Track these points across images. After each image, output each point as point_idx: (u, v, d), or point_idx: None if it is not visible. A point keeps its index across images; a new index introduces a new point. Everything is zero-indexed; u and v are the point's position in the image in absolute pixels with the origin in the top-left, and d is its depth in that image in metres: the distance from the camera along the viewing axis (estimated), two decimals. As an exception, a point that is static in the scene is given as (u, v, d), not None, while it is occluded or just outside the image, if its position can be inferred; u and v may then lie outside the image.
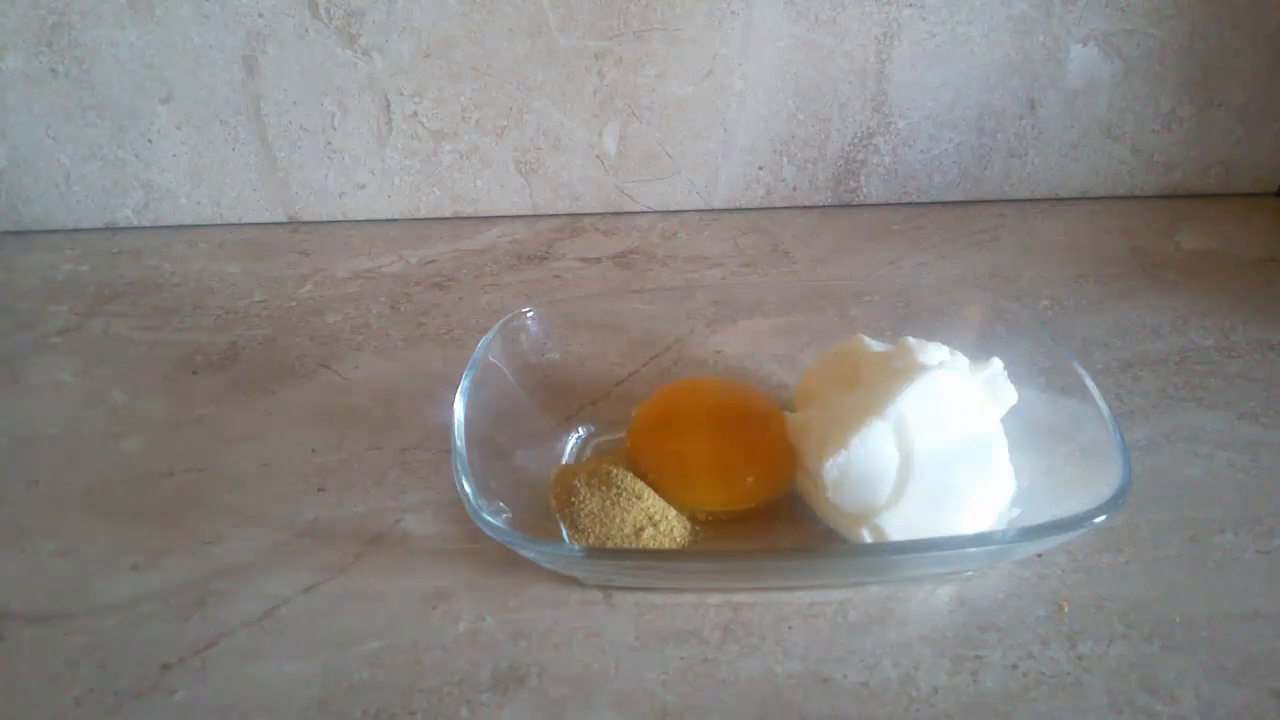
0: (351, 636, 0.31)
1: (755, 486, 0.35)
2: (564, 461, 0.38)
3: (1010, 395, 0.34)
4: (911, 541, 0.31)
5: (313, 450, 0.40)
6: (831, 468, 0.32)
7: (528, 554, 0.30)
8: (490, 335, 0.37)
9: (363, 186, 0.59)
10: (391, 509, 0.36)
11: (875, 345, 0.36)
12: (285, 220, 0.60)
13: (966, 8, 0.54)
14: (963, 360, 0.35)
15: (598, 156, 0.58)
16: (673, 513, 0.33)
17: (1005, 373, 0.34)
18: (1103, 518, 0.28)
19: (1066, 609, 0.31)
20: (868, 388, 0.34)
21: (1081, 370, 0.34)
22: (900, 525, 0.31)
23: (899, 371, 0.33)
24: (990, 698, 0.28)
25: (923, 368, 0.33)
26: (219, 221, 0.60)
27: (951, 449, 0.32)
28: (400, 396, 0.44)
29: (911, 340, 0.35)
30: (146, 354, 0.48)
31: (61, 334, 0.50)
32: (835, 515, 0.33)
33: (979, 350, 0.37)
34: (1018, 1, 0.54)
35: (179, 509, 0.37)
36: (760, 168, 0.59)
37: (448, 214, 0.60)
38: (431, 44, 0.54)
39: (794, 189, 0.60)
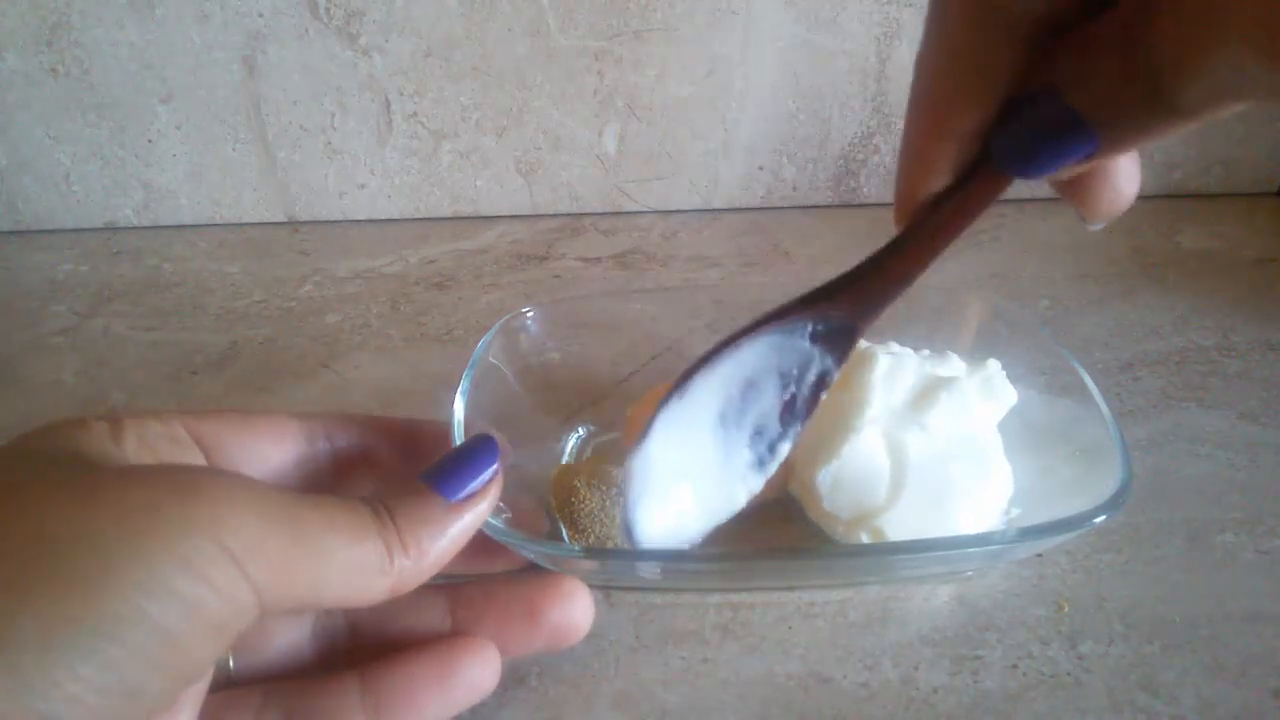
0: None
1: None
2: (564, 461, 0.38)
3: (1010, 395, 0.34)
4: (911, 542, 0.31)
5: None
6: (825, 477, 0.32)
7: (528, 554, 0.30)
8: (490, 335, 0.37)
9: (363, 186, 0.59)
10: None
11: (864, 347, 0.36)
12: (285, 220, 0.60)
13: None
14: (955, 360, 0.35)
15: (598, 156, 0.58)
16: (673, 513, 0.33)
17: (1003, 373, 0.34)
18: (1103, 518, 0.28)
19: (1066, 609, 0.31)
20: (849, 392, 0.34)
21: (1081, 370, 0.34)
22: (899, 527, 0.31)
23: (858, 368, 0.34)
24: (990, 698, 0.28)
25: (880, 357, 0.33)
26: (219, 221, 0.60)
27: (947, 450, 0.32)
28: (400, 396, 0.43)
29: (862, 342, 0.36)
30: (146, 354, 0.48)
31: (61, 334, 0.50)
32: (831, 522, 0.33)
33: (979, 350, 0.37)
34: (1018, 1, 0.54)
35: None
36: (760, 168, 0.59)
37: (448, 214, 0.60)
38: (431, 44, 0.54)
39: (794, 189, 0.60)
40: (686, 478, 0.28)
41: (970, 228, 0.24)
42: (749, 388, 0.27)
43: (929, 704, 0.28)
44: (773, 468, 0.28)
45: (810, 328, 0.26)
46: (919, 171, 0.23)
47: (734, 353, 0.27)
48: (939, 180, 0.23)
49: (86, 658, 0.17)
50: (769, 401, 0.28)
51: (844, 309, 0.26)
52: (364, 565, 0.22)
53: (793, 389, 0.27)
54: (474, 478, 0.25)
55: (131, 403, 0.44)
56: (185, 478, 0.21)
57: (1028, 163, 0.20)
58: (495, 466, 0.26)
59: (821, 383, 0.27)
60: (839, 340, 0.27)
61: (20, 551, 0.18)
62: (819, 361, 0.27)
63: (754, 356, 0.27)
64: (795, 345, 0.27)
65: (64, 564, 0.18)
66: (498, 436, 0.27)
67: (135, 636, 0.18)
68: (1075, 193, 0.22)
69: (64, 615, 0.17)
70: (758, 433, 0.28)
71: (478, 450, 0.26)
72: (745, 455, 0.28)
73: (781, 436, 0.28)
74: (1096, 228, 0.24)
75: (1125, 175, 0.22)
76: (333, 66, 0.55)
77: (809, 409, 0.28)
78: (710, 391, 0.27)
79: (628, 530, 0.28)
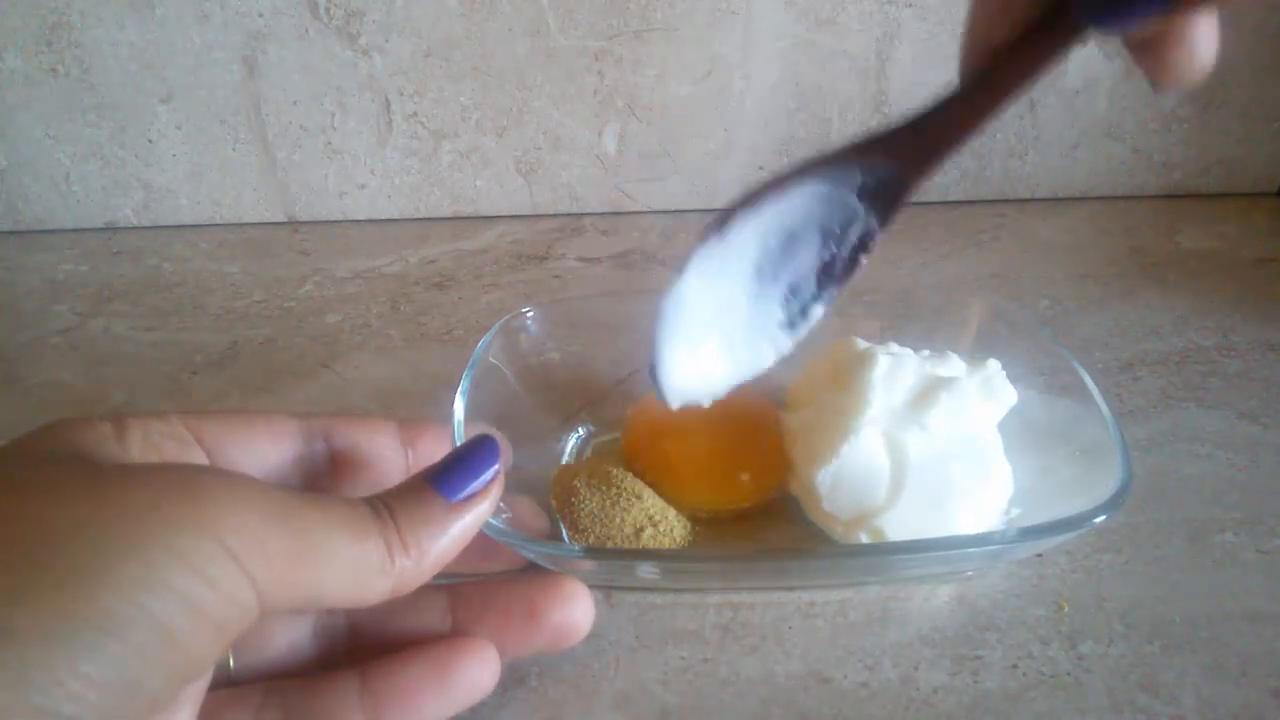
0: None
1: (751, 485, 0.35)
2: (564, 461, 0.38)
3: (1010, 395, 0.34)
4: (911, 542, 0.31)
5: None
6: (824, 478, 0.32)
7: (528, 554, 0.30)
8: (490, 335, 0.37)
9: (363, 186, 0.59)
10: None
11: (864, 347, 0.36)
12: (285, 220, 0.60)
13: (966, 8, 0.54)
14: (955, 360, 0.35)
15: (598, 156, 0.58)
16: (673, 513, 0.33)
17: (1003, 373, 0.34)
18: (1103, 518, 0.28)
19: (1066, 609, 0.31)
20: (848, 392, 0.34)
21: (1081, 370, 0.34)
22: (899, 527, 0.31)
23: (858, 369, 0.34)
24: (990, 698, 0.28)
25: (880, 357, 0.33)
26: (219, 221, 0.60)
27: (947, 450, 0.32)
28: (400, 396, 0.43)
29: (860, 340, 0.36)
30: (146, 354, 0.48)
31: (61, 334, 0.50)
32: (831, 522, 0.33)
33: (979, 350, 0.37)
34: (1018, 1, 0.54)
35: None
36: (760, 168, 0.59)
37: (448, 214, 0.60)
38: (431, 44, 0.54)
39: (794, 189, 0.60)
40: (717, 326, 0.27)
41: (1036, 81, 0.23)
42: (789, 240, 0.26)
43: (929, 704, 0.28)
44: (803, 331, 0.28)
45: (860, 180, 0.25)
46: (991, 18, 0.22)
47: (779, 198, 0.25)
48: (1010, 29, 0.22)
49: (88, 654, 0.17)
50: (807, 258, 0.27)
51: (896, 160, 0.25)
52: (365, 565, 0.22)
53: (833, 249, 0.26)
54: (475, 478, 0.25)
55: (131, 403, 0.44)
56: (186, 476, 0.21)
57: (1108, 12, 0.20)
58: (496, 467, 0.26)
59: (863, 245, 0.26)
60: (887, 197, 0.25)
61: (22, 548, 0.18)
62: (863, 220, 0.26)
63: (798, 206, 0.26)
64: (841, 198, 0.26)
65: (65, 561, 0.18)
66: (498, 437, 0.27)
67: (136, 634, 0.18)
68: (1149, 56, 0.21)
69: (66, 612, 0.18)
70: (792, 291, 0.27)
71: (478, 451, 0.26)
72: (777, 314, 0.27)
73: (816, 299, 0.27)
74: (1168, 99, 0.23)
75: (1203, 38, 0.21)
76: (333, 66, 0.55)
77: (847, 273, 0.27)
78: (750, 237, 0.26)
79: (654, 374, 0.27)
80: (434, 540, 0.24)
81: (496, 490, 0.26)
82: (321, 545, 0.22)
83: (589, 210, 0.60)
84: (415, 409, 0.42)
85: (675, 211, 0.60)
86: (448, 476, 0.25)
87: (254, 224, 0.60)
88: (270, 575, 0.20)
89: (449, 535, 0.24)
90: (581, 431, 0.39)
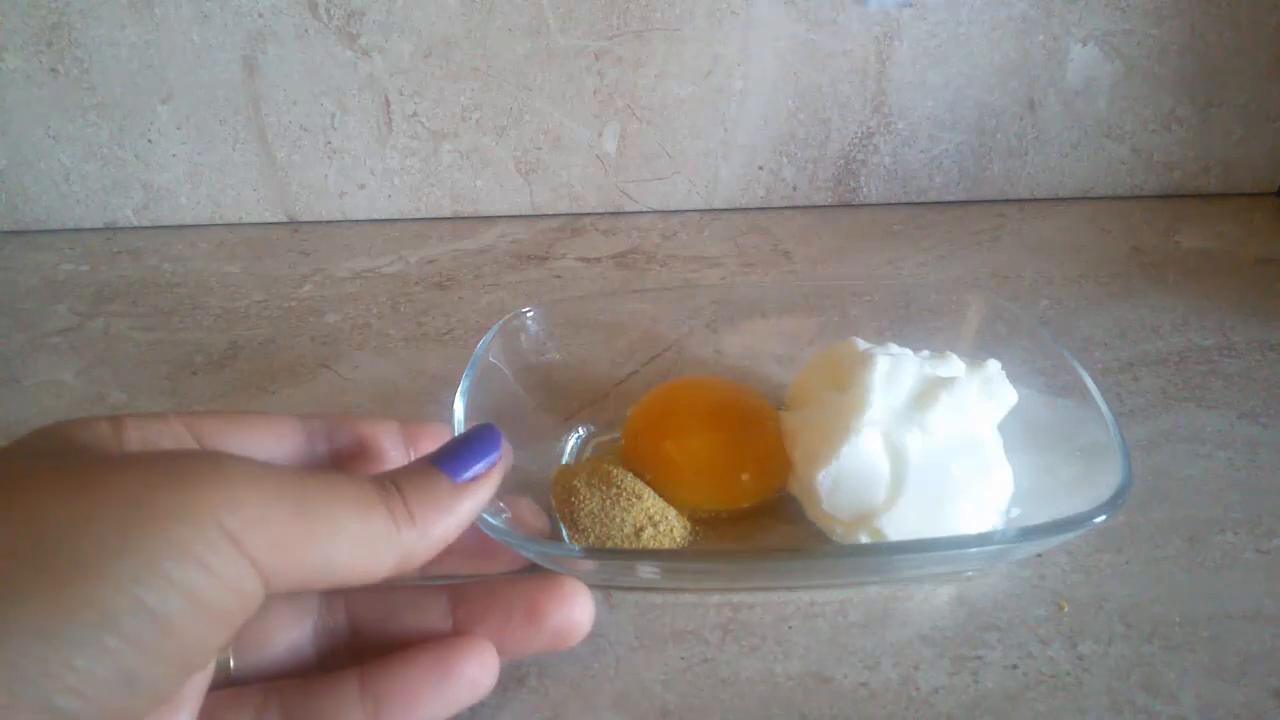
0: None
1: (751, 485, 0.35)
2: (564, 461, 0.38)
3: (1010, 395, 0.34)
4: (911, 541, 0.31)
5: (313, 450, 0.40)
6: (824, 479, 0.32)
7: (527, 554, 0.30)
8: (490, 335, 0.37)
9: (363, 186, 0.59)
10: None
11: (864, 347, 0.36)
12: (285, 220, 0.60)
13: (966, 8, 0.54)
14: (955, 360, 0.35)
15: (598, 156, 0.58)
16: (673, 513, 0.33)
17: (1003, 373, 0.34)
18: (1103, 518, 0.28)
19: (1066, 609, 0.31)
20: (849, 392, 0.34)
21: (1081, 370, 0.34)
22: (899, 527, 0.31)
23: (858, 369, 0.34)
24: (990, 698, 0.28)
25: (880, 357, 0.33)
26: (219, 221, 0.60)
27: (947, 450, 0.32)
28: (400, 396, 0.43)
29: (859, 340, 0.36)
30: (146, 354, 0.48)
31: (61, 334, 0.50)
32: (830, 522, 0.33)
33: (978, 350, 0.37)
34: (1018, 1, 0.54)
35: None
36: (760, 168, 0.59)
37: (448, 214, 0.60)
38: (431, 44, 0.54)
39: (794, 189, 0.60)
40: None
41: None
42: None
43: (929, 704, 0.28)
44: None
45: None
46: None
47: None
48: None
49: (83, 649, 0.17)
50: None
51: None
52: (371, 536, 0.22)
53: None
54: (479, 461, 0.26)
55: (131, 403, 0.44)
56: (180, 462, 0.21)
57: None
58: (499, 453, 0.26)
59: None
60: None
61: (15, 543, 0.18)
62: None
63: None
64: None
65: (59, 555, 0.18)
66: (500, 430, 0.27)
67: (133, 626, 0.18)
68: None
69: (60, 607, 0.17)
70: None
71: (482, 436, 0.26)
72: None
73: None
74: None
75: None
76: (333, 66, 0.55)
77: None
78: None
79: None
80: (439, 515, 0.24)
81: (498, 475, 0.26)
82: (326, 518, 0.22)
83: (589, 210, 0.60)
84: (415, 409, 0.42)
85: (675, 211, 0.60)
86: (452, 458, 0.25)
87: (254, 224, 0.60)
88: (275, 552, 0.20)
89: (454, 513, 0.24)
90: (581, 431, 0.39)
